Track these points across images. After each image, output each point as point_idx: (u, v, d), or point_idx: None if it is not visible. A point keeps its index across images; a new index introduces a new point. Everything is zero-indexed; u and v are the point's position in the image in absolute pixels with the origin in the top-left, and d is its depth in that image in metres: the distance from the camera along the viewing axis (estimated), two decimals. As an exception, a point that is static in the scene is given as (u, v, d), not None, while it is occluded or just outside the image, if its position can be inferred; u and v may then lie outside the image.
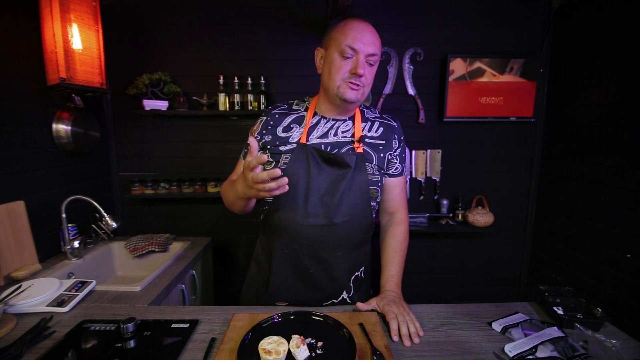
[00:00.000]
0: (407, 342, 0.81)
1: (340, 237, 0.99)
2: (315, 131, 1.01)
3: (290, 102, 1.10)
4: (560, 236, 1.95)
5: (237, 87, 1.90)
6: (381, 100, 2.01)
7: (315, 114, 1.04)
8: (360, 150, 0.99)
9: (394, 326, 0.84)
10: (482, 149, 2.10)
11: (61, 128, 1.56)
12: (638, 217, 1.49)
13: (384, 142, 1.05)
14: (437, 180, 2.08)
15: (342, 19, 0.97)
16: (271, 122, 1.03)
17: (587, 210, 1.76)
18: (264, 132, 1.03)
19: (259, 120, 1.07)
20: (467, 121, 2.03)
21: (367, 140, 1.03)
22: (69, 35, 1.40)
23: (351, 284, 1.05)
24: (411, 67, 2.00)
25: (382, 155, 1.04)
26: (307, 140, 1.00)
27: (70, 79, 1.40)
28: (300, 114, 1.05)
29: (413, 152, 2.06)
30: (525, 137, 2.10)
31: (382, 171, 1.04)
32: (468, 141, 2.09)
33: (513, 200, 2.15)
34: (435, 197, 2.12)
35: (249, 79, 1.89)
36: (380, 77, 2.00)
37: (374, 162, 1.02)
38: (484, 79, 1.96)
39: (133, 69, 1.89)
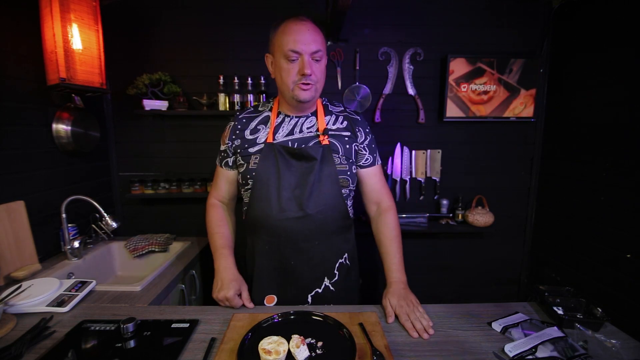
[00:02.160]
0: (424, 335, 0.85)
1: (315, 226, 1.04)
2: (281, 130, 1.07)
3: (257, 104, 1.16)
4: (560, 236, 1.95)
5: (237, 87, 1.90)
6: (381, 100, 2.01)
7: (279, 113, 1.10)
8: (326, 142, 1.04)
9: (408, 325, 0.88)
10: (482, 149, 2.10)
11: (61, 128, 1.56)
12: (638, 217, 1.49)
13: (349, 133, 1.09)
14: (437, 180, 2.08)
15: (280, 22, 1.00)
16: (239, 127, 1.09)
17: (587, 210, 1.76)
18: (233, 137, 1.09)
19: (228, 126, 1.12)
20: (467, 121, 2.03)
21: (331, 132, 1.07)
22: (69, 35, 1.40)
23: (336, 271, 1.10)
24: (411, 67, 2.00)
25: (347, 146, 1.08)
26: (274, 139, 1.05)
27: (70, 79, 1.40)
28: (265, 114, 1.10)
29: (413, 152, 2.06)
30: (525, 137, 2.10)
31: (351, 161, 1.08)
32: (468, 141, 2.09)
33: (513, 200, 2.15)
34: (435, 197, 2.12)
35: (249, 79, 1.89)
36: (380, 77, 2.01)
37: (341, 153, 1.06)
38: (484, 79, 1.96)
39: (133, 69, 1.89)
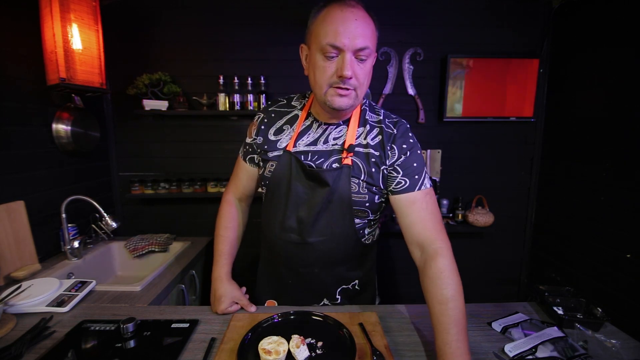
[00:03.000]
0: None
1: (315, 256, 0.93)
2: (305, 136, 0.93)
3: (292, 96, 1.01)
4: (560, 236, 1.95)
5: (237, 87, 1.90)
6: (381, 100, 2.01)
7: (309, 115, 0.95)
8: (348, 161, 0.86)
9: None
10: (482, 149, 2.10)
11: (61, 128, 1.56)
12: (638, 217, 1.49)
13: (378, 153, 0.88)
14: (437, 180, 2.08)
15: (323, 5, 0.81)
16: (265, 121, 0.97)
17: (587, 210, 1.76)
18: (258, 132, 0.98)
19: (256, 118, 1.00)
20: (467, 121, 2.03)
21: (357, 149, 0.89)
22: (69, 35, 1.40)
23: (338, 295, 1.01)
24: (411, 67, 2.00)
25: (374, 169, 0.88)
26: (295, 146, 0.92)
27: (70, 79, 1.40)
28: (295, 113, 0.97)
29: (413, 152, 2.06)
30: (525, 137, 2.10)
31: (375, 188, 0.89)
32: (468, 141, 2.09)
33: (513, 200, 2.15)
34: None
35: (249, 79, 1.89)
36: (380, 77, 2.00)
37: (362, 177, 0.87)
38: (484, 78, 1.95)
39: (133, 69, 1.89)
